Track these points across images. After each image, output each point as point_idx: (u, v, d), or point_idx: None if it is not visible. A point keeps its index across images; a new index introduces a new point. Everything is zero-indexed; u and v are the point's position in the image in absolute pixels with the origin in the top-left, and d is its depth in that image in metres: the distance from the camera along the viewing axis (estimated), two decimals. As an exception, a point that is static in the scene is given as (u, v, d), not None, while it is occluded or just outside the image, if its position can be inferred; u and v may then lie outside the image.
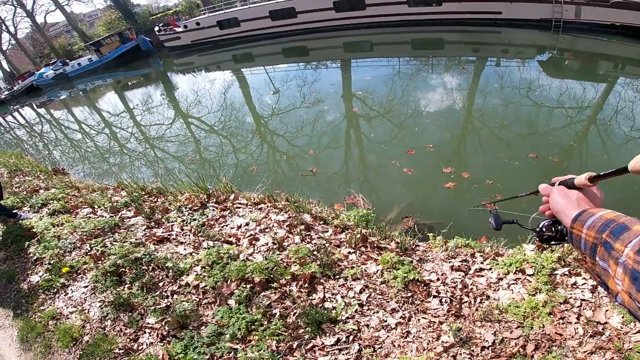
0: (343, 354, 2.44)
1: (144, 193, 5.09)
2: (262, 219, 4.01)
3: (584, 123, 7.37)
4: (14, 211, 4.88)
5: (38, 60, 41.85)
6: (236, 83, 17.03)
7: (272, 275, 3.05)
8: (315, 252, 3.27)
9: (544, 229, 0.88)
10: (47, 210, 4.89)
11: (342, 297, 2.88)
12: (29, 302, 3.37)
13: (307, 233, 3.73)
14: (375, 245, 3.45)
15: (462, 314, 2.64)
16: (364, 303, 2.80)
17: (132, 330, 2.83)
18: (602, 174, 0.73)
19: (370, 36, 19.83)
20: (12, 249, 4.22)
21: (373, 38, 19.56)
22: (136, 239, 3.87)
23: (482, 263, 3.12)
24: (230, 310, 2.80)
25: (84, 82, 27.83)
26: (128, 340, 2.77)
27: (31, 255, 3.96)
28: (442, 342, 2.44)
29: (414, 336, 2.52)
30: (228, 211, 4.26)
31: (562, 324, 2.42)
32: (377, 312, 2.72)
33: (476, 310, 2.65)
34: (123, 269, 3.39)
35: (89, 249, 3.84)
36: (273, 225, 3.87)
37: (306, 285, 2.99)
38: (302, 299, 2.87)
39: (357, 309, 2.74)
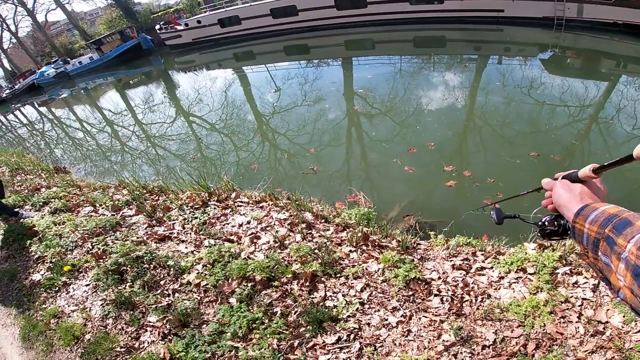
0: (344, 353, 2.44)
1: (145, 191, 5.10)
2: (264, 217, 4.01)
3: (586, 121, 7.34)
4: (15, 210, 4.89)
5: (39, 58, 41.85)
6: (237, 81, 17.02)
7: (273, 274, 3.05)
8: (316, 251, 3.27)
9: (546, 224, 0.87)
10: (49, 209, 4.90)
11: (343, 295, 2.88)
12: (30, 301, 3.38)
13: (309, 231, 3.73)
14: (376, 243, 3.45)
15: (463, 312, 2.64)
16: (365, 302, 2.80)
17: (134, 329, 2.83)
18: (606, 164, 0.72)
19: (371, 34, 19.78)
20: (14, 248, 4.23)
21: (375, 36, 19.50)
22: (137, 238, 3.87)
23: (483, 262, 3.11)
24: (232, 308, 2.81)
25: (85, 80, 27.84)
26: (129, 338, 2.77)
27: (33, 253, 3.97)
28: (443, 340, 2.44)
29: (415, 335, 2.52)
30: (229, 209, 4.27)
31: (563, 323, 2.42)
32: (378, 310, 2.72)
33: (477, 309, 2.64)
34: (124, 268, 3.40)
35: (91, 247, 3.85)
36: (274, 224, 3.87)
37: (307, 283, 2.99)
38: (303, 297, 2.87)
39: (358, 308, 2.74)
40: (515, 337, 2.39)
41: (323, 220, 3.99)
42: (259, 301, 2.84)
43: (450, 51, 15.79)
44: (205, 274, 3.17)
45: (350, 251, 3.36)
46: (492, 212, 1.12)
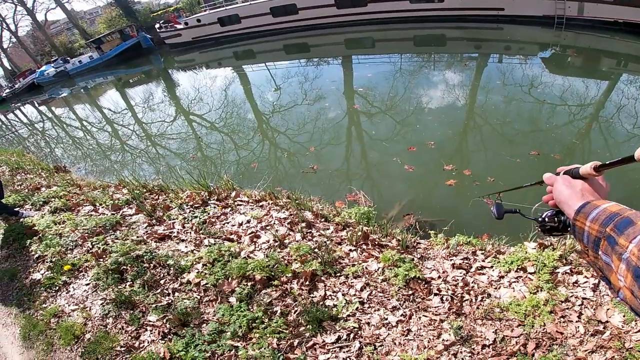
0: (344, 352, 2.44)
1: (145, 190, 5.09)
2: (263, 216, 4.01)
3: (586, 120, 7.33)
4: (15, 209, 4.89)
5: (39, 58, 41.79)
6: (237, 80, 17.01)
7: (273, 273, 3.05)
8: (316, 250, 3.27)
9: (546, 219, 0.87)
10: (49, 208, 4.89)
11: (343, 294, 2.88)
12: (31, 300, 3.38)
13: (308, 230, 3.73)
14: (376, 242, 3.45)
15: (463, 312, 2.63)
16: (365, 301, 2.80)
17: (134, 328, 2.83)
18: (608, 162, 0.72)
19: (371, 33, 19.75)
20: (14, 247, 4.23)
21: (375, 34, 19.47)
22: (137, 237, 3.87)
23: (483, 261, 3.11)
24: (231, 307, 2.81)
25: (85, 79, 27.83)
26: (129, 338, 2.77)
27: (33, 253, 3.97)
28: (443, 340, 2.43)
29: (414, 334, 2.52)
30: (229, 208, 4.26)
31: (563, 322, 2.42)
32: (378, 310, 2.72)
33: (477, 308, 2.64)
34: (124, 267, 3.39)
35: (91, 246, 3.85)
36: (274, 223, 3.87)
37: (307, 283, 2.99)
38: (303, 296, 2.87)
39: (358, 307, 2.74)
40: (515, 337, 2.39)
41: (323, 219, 3.99)
42: (258, 300, 2.84)
43: (450, 50, 15.77)
44: (205, 273, 3.17)
45: (350, 250, 3.36)
46: (492, 207, 1.10)
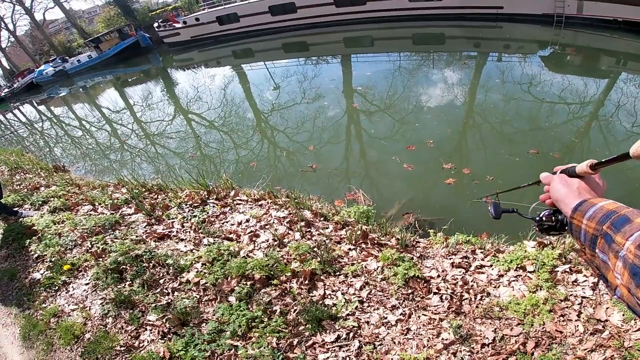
0: (343, 351, 2.44)
1: (144, 190, 5.09)
2: (263, 215, 4.01)
3: (586, 119, 7.34)
4: (14, 209, 4.88)
5: (37, 57, 41.68)
6: (236, 79, 16.98)
7: (272, 272, 3.05)
8: (315, 249, 3.27)
9: (544, 218, 0.87)
10: (48, 208, 4.89)
11: (342, 294, 2.88)
12: (30, 300, 3.38)
13: (308, 229, 3.72)
14: (375, 241, 3.45)
15: (462, 311, 2.64)
16: (364, 300, 2.80)
17: (133, 328, 2.84)
18: (604, 160, 0.72)
19: (370, 31, 19.73)
20: (14, 247, 4.23)
21: (373, 33, 19.45)
22: (137, 236, 3.87)
23: (482, 260, 3.11)
24: (231, 307, 2.81)
25: (83, 78, 27.78)
26: (129, 337, 2.78)
27: (32, 253, 3.97)
28: (442, 339, 2.44)
29: (414, 333, 2.52)
30: (228, 208, 4.26)
31: (563, 321, 2.42)
32: (378, 309, 2.72)
33: (476, 307, 2.64)
34: (124, 266, 3.39)
35: (90, 246, 3.85)
36: (273, 222, 3.87)
37: (306, 282, 2.99)
38: (302, 295, 2.87)
39: (357, 306, 2.74)
40: (515, 336, 2.39)
41: (322, 218, 3.99)
42: (258, 300, 2.84)
43: (449, 48, 15.75)
44: (205, 273, 3.17)
45: (350, 249, 3.36)
46: (490, 207, 1.11)
